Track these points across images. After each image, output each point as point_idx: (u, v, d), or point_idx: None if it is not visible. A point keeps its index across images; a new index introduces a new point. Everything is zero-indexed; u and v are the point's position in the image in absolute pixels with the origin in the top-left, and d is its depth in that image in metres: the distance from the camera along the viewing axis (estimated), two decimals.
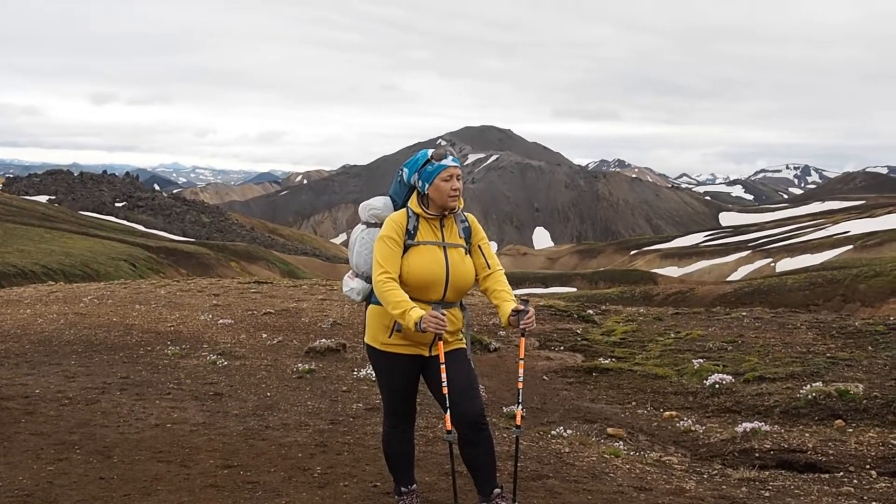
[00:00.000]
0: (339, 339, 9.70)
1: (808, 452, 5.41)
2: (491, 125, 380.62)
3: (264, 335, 10.31)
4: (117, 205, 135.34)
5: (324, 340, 9.45)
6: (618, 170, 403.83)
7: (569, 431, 6.06)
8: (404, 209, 3.78)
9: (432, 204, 3.74)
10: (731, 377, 7.90)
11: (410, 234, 3.71)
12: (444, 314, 3.53)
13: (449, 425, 3.63)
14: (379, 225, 3.87)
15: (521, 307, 3.61)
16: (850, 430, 6.07)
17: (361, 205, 4.04)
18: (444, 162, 3.70)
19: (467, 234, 3.83)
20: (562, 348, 10.60)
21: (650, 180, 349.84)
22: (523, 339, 3.80)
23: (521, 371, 3.77)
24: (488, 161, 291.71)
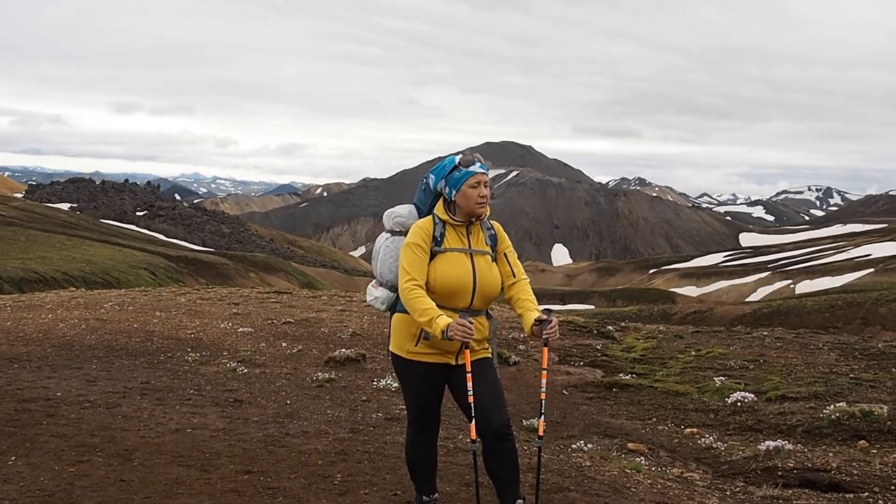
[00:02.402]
0: (359, 350, 9.69)
1: (832, 472, 5.32)
2: (512, 141, 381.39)
3: (284, 344, 10.32)
4: (138, 213, 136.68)
5: (343, 350, 9.44)
6: (638, 188, 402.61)
7: (589, 446, 6.01)
8: (430, 216, 3.76)
9: (459, 211, 3.72)
10: (752, 395, 7.81)
11: (437, 240, 3.69)
12: (471, 322, 3.50)
13: (473, 435, 3.60)
14: (403, 233, 3.86)
15: (545, 317, 3.58)
16: (874, 451, 5.97)
17: (386, 213, 4.03)
18: (471, 168, 3.69)
19: (493, 241, 3.81)
20: (581, 364, 10.53)
21: (671, 199, 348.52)
22: (546, 349, 3.75)
23: (543, 382, 3.72)
24: (508, 177, 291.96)
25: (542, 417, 3.71)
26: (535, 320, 3.60)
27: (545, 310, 3.63)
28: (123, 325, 11.25)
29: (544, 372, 3.76)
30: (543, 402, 3.70)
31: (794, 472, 5.39)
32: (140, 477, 4.54)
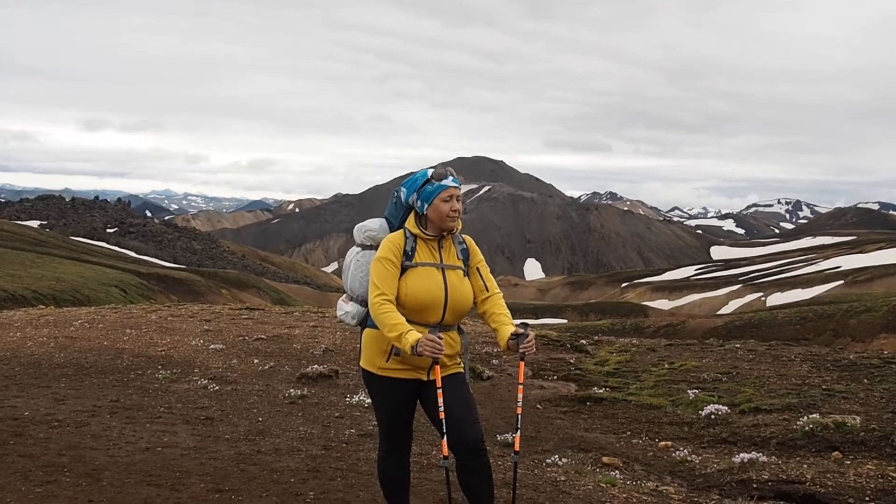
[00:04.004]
0: (332, 366, 9.62)
1: (807, 483, 5.36)
2: (483, 156, 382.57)
3: (256, 360, 10.21)
4: (109, 230, 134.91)
5: (316, 366, 9.36)
6: (609, 202, 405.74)
7: (564, 460, 5.99)
8: (401, 230, 3.74)
9: (430, 225, 3.70)
10: (726, 408, 7.85)
11: (408, 255, 3.67)
12: (441, 337, 3.47)
13: (445, 451, 3.57)
14: (374, 247, 3.83)
15: (521, 331, 3.56)
16: (848, 462, 6.02)
17: (356, 227, 4.00)
18: (444, 182, 3.68)
19: (465, 255, 3.79)
20: (555, 378, 10.53)
21: (642, 213, 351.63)
22: (522, 363, 3.72)
23: (520, 396, 3.68)
24: (480, 192, 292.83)
25: (519, 432, 3.68)
26: (512, 334, 3.57)
27: (521, 324, 3.61)
28: (93, 342, 11.06)
29: (520, 386, 3.72)
30: (520, 416, 3.66)
31: (769, 484, 5.41)
32: (109, 497, 4.45)
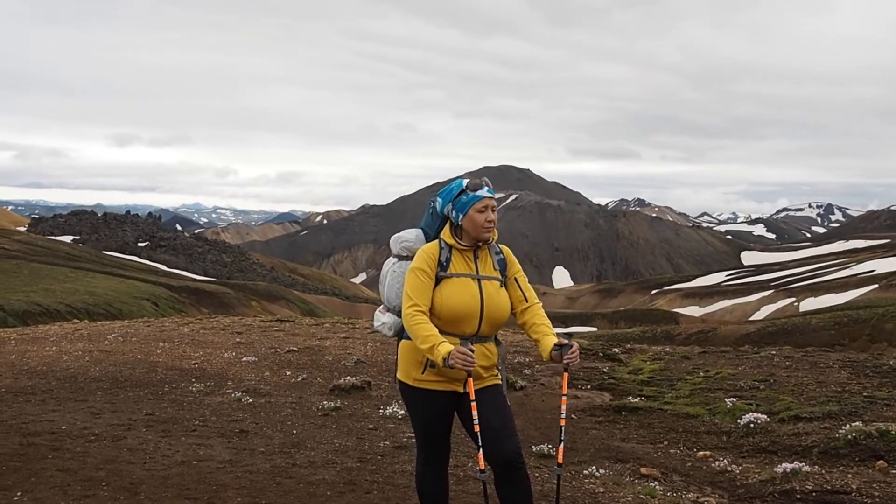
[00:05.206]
0: (364, 377, 9.60)
1: (853, 494, 5.22)
2: (510, 165, 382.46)
3: (288, 373, 10.23)
4: (140, 244, 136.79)
5: (348, 378, 9.35)
6: (637, 209, 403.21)
7: (601, 471, 5.91)
8: (436, 240, 3.71)
9: (466, 235, 3.67)
10: (765, 416, 7.69)
11: (443, 265, 3.64)
12: (472, 350, 3.42)
13: (482, 464, 3.52)
14: (410, 258, 3.81)
15: (565, 342, 3.52)
16: (894, 471, 5.87)
17: (393, 237, 3.98)
18: (479, 192, 3.65)
19: (502, 266, 3.75)
20: (589, 387, 10.42)
21: (670, 219, 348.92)
22: (566, 374, 3.67)
23: (563, 407, 3.64)
24: (507, 201, 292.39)
25: (563, 444, 3.62)
26: (555, 345, 3.53)
27: (565, 334, 3.57)
28: (127, 356, 11.17)
29: (563, 398, 3.68)
30: (563, 428, 3.61)
31: (814, 494, 5.28)
32: None
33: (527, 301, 3.72)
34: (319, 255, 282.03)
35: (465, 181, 3.70)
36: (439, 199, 3.75)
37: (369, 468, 5.65)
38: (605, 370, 11.84)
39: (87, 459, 5.55)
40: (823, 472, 5.85)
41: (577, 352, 3.51)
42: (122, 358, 10.95)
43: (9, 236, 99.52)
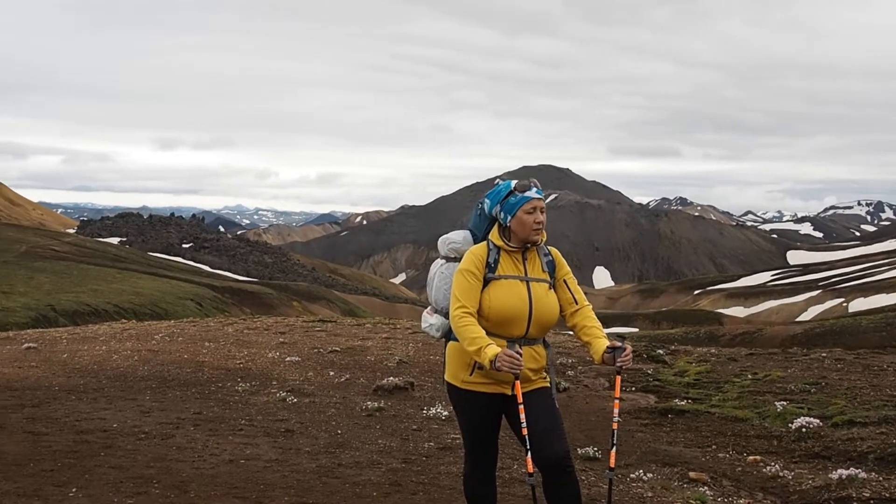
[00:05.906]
0: (407, 378, 9.62)
1: None
2: (549, 164, 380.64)
3: (331, 373, 10.29)
4: (184, 246, 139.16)
5: (391, 378, 9.37)
6: (679, 208, 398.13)
7: (649, 475, 5.82)
8: (485, 242, 3.68)
9: (514, 237, 3.63)
10: (818, 421, 7.50)
11: (491, 267, 3.60)
12: (520, 352, 3.38)
13: (530, 468, 3.48)
14: (458, 259, 3.78)
15: (618, 344, 3.47)
16: None
17: (441, 238, 3.95)
18: (527, 193, 3.61)
19: (551, 268, 3.70)
20: (633, 389, 10.30)
21: (713, 218, 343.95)
22: (619, 377, 3.62)
23: (616, 410, 3.60)
24: (547, 200, 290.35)
25: (615, 448, 3.57)
26: (608, 348, 3.48)
27: (618, 336, 3.52)
28: (174, 355, 11.34)
29: (616, 401, 3.63)
30: (616, 431, 3.57)
31: (871, 502, 5.13)
32: None
33: (576, 303, 3.67)
34: (359, 255, 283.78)
35: (514, 182, 3.66)
36: (487, 201, 3.72)
37: (414, 469, 5.64)
38: (649, 372, 11.70)
39: (137, 457, 5.64)
40: (881, 479, 5.67)
41: (631, 354, 3.47)
42: (170, 357, 11.13)
43: (59, 238, 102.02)
